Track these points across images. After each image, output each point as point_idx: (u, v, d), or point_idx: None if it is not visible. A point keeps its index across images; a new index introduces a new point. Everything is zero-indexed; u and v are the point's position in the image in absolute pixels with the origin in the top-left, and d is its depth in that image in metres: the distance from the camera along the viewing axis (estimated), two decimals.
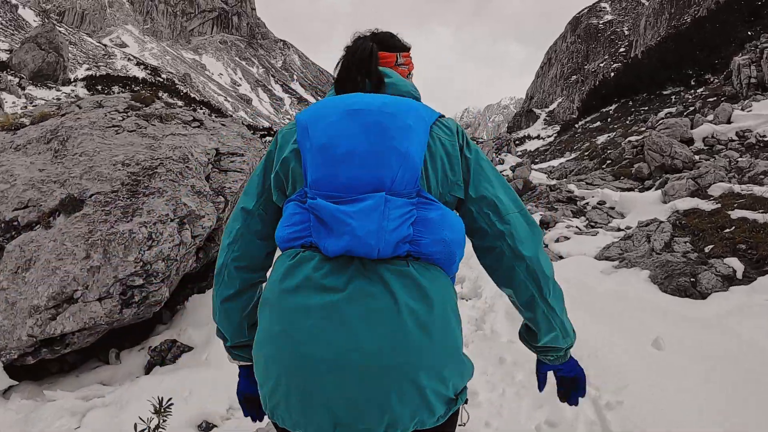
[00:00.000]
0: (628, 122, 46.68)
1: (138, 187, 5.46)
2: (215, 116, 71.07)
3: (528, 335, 2.17)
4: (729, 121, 21.19)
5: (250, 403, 2.31)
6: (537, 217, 13.76)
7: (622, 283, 7.73)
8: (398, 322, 1.69)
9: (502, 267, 1.96)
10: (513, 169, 22.64)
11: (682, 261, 8.24)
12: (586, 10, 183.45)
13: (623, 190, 17.06)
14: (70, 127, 6.62)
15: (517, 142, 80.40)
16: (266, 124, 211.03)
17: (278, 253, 2.00)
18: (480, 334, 6.01)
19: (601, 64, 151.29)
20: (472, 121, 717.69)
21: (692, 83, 46.61)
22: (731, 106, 21.87)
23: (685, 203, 11.88)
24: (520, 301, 2.00)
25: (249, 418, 2.36)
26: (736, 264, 7.68)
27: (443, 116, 2.04)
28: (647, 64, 55.47)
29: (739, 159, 16.87)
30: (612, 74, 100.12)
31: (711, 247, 8.66)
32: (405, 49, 2.41)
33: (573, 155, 40.97)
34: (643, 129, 29.62)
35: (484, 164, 2.02)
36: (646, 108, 48.97)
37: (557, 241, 11.32)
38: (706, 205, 11.34)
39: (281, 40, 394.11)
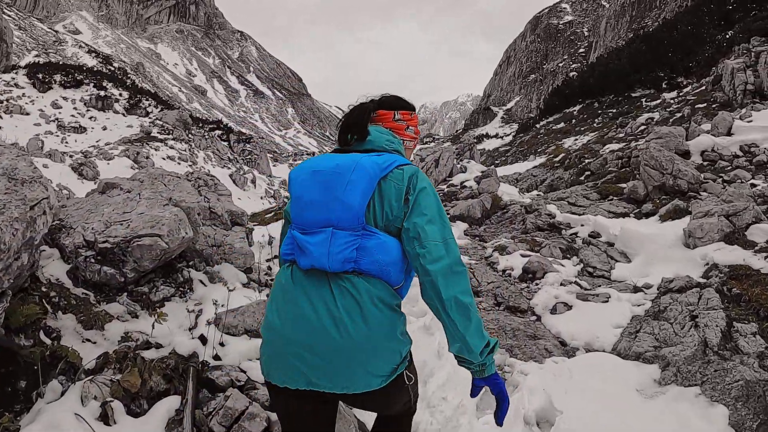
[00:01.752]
0: (595, 125, 44.48)
1: None
2: (161, 107, 66.83)
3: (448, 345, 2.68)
4: (729, 133, 18.17)
5: None
6: (517, 258, 10.46)
7: None
8: (334, 318, 2.53)
9: (420, 282, 2.60)
10: (478, 180, 19.32)
11: (765, 379, 5.10)
12: (546, 10, 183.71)
13: (616, 215, 13.87)
14: None
15: (475, 140, 78.71)
16: (220, 116, 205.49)
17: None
18: None
19: (560, 64, 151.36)
20: (429, 117, 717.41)
21: (663, 86, 44.44)
22: (731, 116, 18.87)
23: (724, 254, 8.71)
24: (431, 310, 2.62)
25: None
26: None
27: (400, 166, 2.72)
28: (616, 65, 53.23)
29: (762, 185, 13.88)
30: (572, 74, 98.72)
31: None
32: (404, 108, 3.17)
33: (539, 159, 38.28)
34: (621, 135, 26.80)
35: (422, 201, 2.67)
36: (614, 110, 46.93)
37: (554, 311, 7.94)
38: (757, 261, 8.18)
39: (239, 31, 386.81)
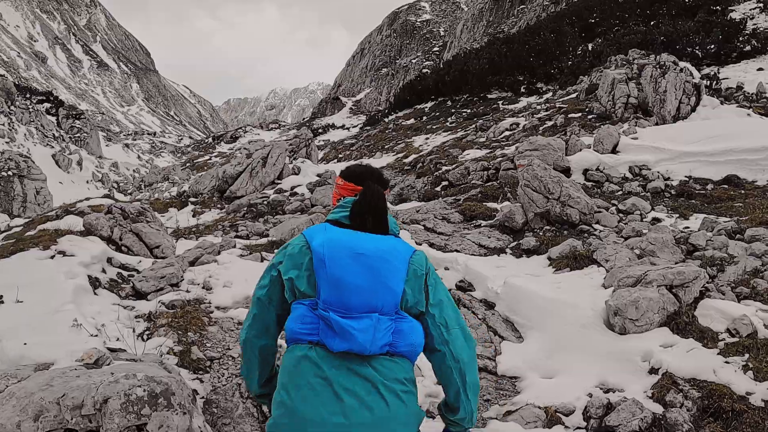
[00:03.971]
0: (449, 124, 42.04)
1: None
2: None
3: (445, 410, 2.98)
4: (615, 150, 15.23)
5: None
6: None
7: None
8: (366, 399, 2.55)
9: (443, 366, 2.80)
10: (312, 187, 15.36)
11: None
12: (406, 7, 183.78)
13: (490, 251, 10.39)
14: None
15: (320, 130, 76.04)
16: (59, 87, 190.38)
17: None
18: None
19: (413, 60, 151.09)
20: (278, 103, 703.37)
21: (522, 90, 42.84)
22: (617, 130, 15.97)
23: (679, 357, 5.47)
24: (449, 392, 2.86)
25: None
26: None
27: (416, 251, 2.85)
28: (475, 65, 51.22)
29: (668, 219, 10.88)
30: (425, 71, 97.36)
31: None
32: (389, 185, 3.37)
33: (386, 158, 35.02)
34: (482, 140, 23.77)
35: (440, 287, 2.86)
36: (468, 110, 44.79)
37: None
38: (735, 377, 5.12)
39: None
